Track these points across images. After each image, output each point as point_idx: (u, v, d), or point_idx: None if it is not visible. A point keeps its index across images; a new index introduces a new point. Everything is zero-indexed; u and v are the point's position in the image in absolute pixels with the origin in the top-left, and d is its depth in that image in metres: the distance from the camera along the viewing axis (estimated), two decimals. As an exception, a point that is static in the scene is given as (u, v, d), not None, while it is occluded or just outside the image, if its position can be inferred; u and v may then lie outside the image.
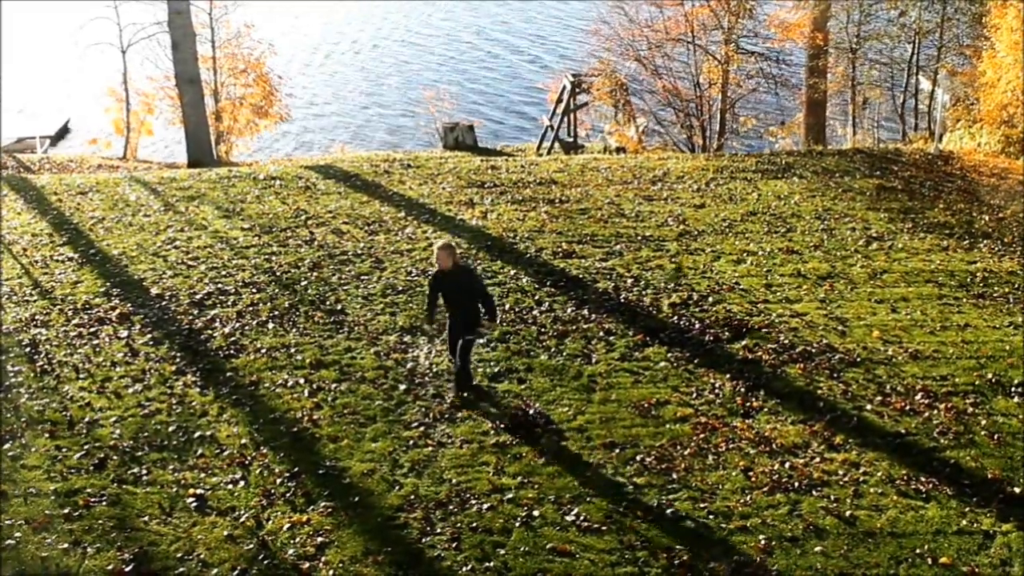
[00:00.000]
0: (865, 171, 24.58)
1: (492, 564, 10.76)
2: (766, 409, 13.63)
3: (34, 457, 12.80)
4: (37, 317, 16.72)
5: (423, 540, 11.18)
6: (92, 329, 16.29)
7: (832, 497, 11.69)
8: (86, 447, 13.00)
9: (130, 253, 19.54)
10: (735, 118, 35.08)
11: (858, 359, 14.88)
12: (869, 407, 13.62)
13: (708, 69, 34.22)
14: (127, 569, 10.75)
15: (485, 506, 11.69)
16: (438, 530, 11.32)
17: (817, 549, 10.85)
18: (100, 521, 11.52)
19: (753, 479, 12.07)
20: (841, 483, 11.96)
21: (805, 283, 17.60)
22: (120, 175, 27.65)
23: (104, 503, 11.86)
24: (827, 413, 13.47)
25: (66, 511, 11.69)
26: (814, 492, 11.81)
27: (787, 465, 12.33)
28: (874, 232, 20.03)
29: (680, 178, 24.13)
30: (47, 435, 13.29)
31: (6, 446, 13.04)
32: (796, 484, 11.95)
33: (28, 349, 15.69)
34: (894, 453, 12.56)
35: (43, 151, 43.07)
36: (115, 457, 12.79)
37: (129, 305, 17.10)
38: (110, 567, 10.78)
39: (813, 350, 15.16)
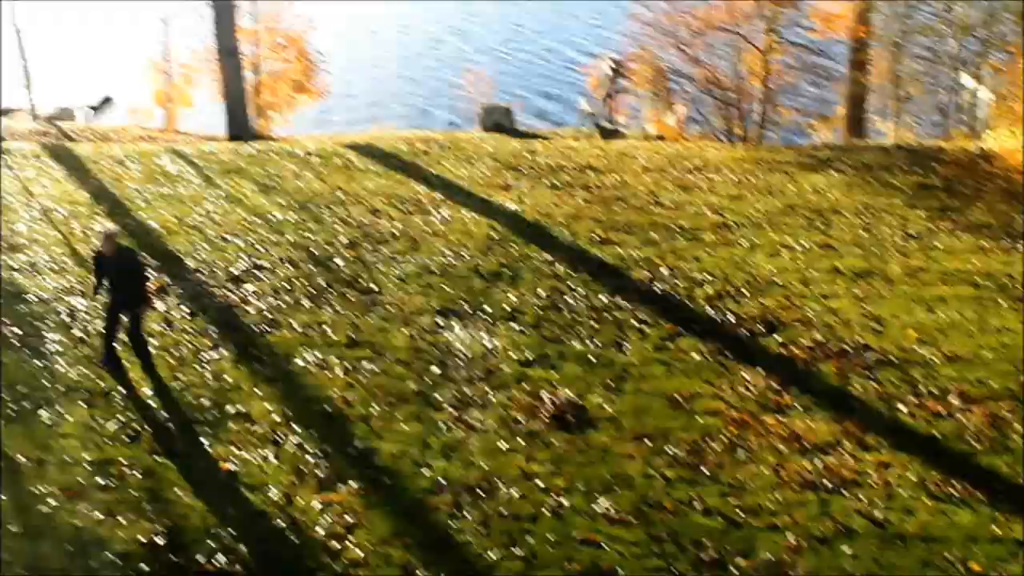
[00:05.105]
0: (905, 168, 24.34)
1: (520, 551, 10.80)
2: (798, 406, 13.57)
3: (69, 426, 12.95)
4: (75, 287, 16.85)
5: (452, 524, 11.24)
6: (129, 300, 16.38)
7: (863, 498, 11.65)
8: (121, 417, 13.13)
9: (168, 225, 19.65)
10: (775, 109, 34.86)
11: (893, 359, 14.79)
12: (903, 408, 13.54)
13: (749, 59, 34.01)
14: (159, 541, 10.86)
15: (515, 492, 11.73)
16: (467, 515, 11.37)
17: (846, 550, 10.82)
18: (134, 492, 11.65)
19: (784, 476, 12.04)
20: (872, 484, 11.91)
21: (841, 279, 17.48)
22: (160, 146, 27.79)
23: (138, 474, 11.98)
24: (860, 412, 13.40)
25: (101, 481, 11.82)
26: (845, 492, 11.77)
27: (818, 463, 12.28)
28: (912, 230, 19.85)
29: (718, 168, 24.02)
30: (83, 404, 13.42)
31: (42, 413, 13.18)
32: (827, 483, 11.91)
33: (66, 318, 15.82)
34: (927, 455, 12.48)
35: (85, 120, 43.31)
36: (150, 429, 12.91)
37: (166, 277, 17.20)
38: (142, 538, 10.90)
39: (848, 348, 15.07)
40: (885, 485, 11.87)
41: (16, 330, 15.39)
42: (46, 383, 13.94)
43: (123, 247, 14.94)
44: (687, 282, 17.30)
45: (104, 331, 14.39)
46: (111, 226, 16.28)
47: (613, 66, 38.17)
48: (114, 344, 14.34)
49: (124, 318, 14.28)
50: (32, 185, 22.26)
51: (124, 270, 14.14)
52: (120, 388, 13.81)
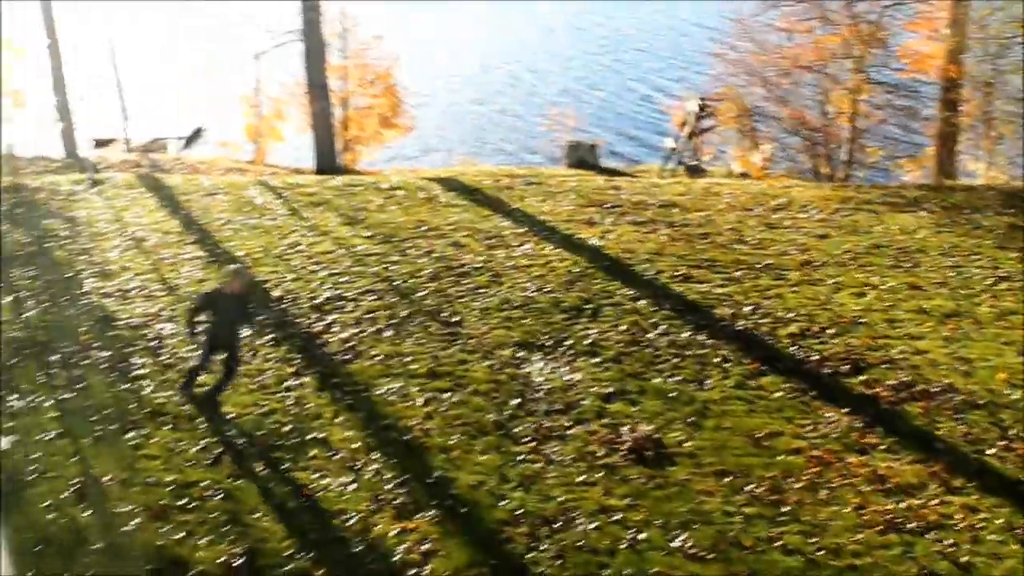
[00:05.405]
0: (996, 208, 23.89)
1: (596, 584, 10.73)
2: (883, 447, 13.32)
3: (154, 447, 13.16)
4: (163, 312, 17.17)
5: (528, 556, 11.19)
6: (215, 327, 16.64)
7: (948, 541, 11.38)
8: (204, 441, 13.31)
9: (254, 255, 19.96)
10: (862, 148, 34.45)
11: (981, 401, 14.46)
12: (991, 451, 13.22)
13: (836, 98, 33.71)
14: (237, 563, 10.97)
15: (591, 526, 11.66)
16: (543, 547, 11.32)
17: (930, 593, 10.59)
18: (214, 514, 11.79)
19: (866, 517, 11.82)
20: (958, 528, 11.63)
21: (929, 320, 17.17)
22: (248, 178, 28.27)
23: (219, 497, 12.13)
24: (946, 455, 13.11)
25: (182, 502, 11.98)
26: (929, 535, 11.51)
27: (902, 505, 12.04)
28: (1003, 271, 19.44)
29: (803, 207, 23.79)
30: (168, 427, 13.65)
31: (128, 435, 13.42)
32: (911, 525, 11.66)
33: (153, 343, 16.12)
34: (1016, 500, 12.16)
35: (176, 151, 44.27)
36: (231, 453, 13.06)
37: (251, 306, 17.41)
38: (221, 560, 11.01)
39: (934, 389, 14.78)
40: (971, 529, 11.60)
41: (106, 354, 15.72)
42: (133, 406, 14.20)
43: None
44: (770, 320, 17.12)
45: (199, 360, 14.30)
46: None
47: (700, 104, 38.08)
48: (200, 375, 14.46)
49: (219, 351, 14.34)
50: (124, 214, 22.79)
51: (240, 307, 14.14)
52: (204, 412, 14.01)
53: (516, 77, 61.58)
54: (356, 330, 16.63)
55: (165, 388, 14.67)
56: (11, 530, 11.48)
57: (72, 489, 12.23)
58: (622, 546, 11.30)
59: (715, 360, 15.68)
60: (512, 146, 49.43)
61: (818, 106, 33.73)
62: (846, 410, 14.21)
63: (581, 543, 11.35)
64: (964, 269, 19.55)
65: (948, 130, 34.64)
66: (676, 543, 11.35)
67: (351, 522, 11.72)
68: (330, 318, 17.08)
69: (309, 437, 13.49)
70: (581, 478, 12.62)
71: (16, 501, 12.02)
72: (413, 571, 10.92)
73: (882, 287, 18.54)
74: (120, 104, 42.10)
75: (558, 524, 11.70)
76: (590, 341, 16.25)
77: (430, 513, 11.90)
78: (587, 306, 17.53)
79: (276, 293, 18.07)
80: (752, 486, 12.41)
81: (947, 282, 18.87)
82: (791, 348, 16.11)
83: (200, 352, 14.23)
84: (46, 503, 11.94)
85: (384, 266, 19.36)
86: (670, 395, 14.65)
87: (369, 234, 21.28)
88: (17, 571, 10.77)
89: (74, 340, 16.22)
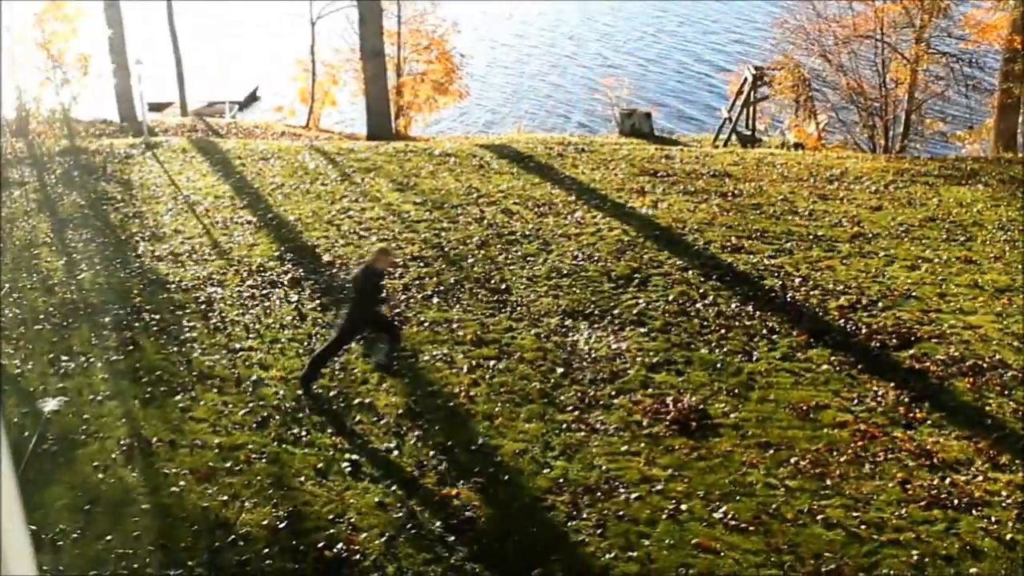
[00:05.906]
0: (1056, 182, 23.47)
1: (635, 554, 10.74)
2: (929, 422, 13.19)
3: (201, 410, 13.34)
4: (214, 276, 17.35)
5: (569, 524, 11.23)
6: (264, 291, 16.82)
7: (993, 518, 11.25)
8: (251, 405, 13.47)
9: (305, 220, 20.10)
10: (921, 120, 33.96)
11: (1032, 378, 14.27)
12: (1041, 428, 13.06)
13: (896, 68, 33.22)
14: (281, 526, 11.11)
15: (633, 495, 11.67)
16: (584, 515, 11.35)
17: (972, 570, 10.47)
18: (259, 477, 11.94)
19: (910, 492, 11.72)
20: (1004, 505, 11.50)
21: (981, 295, 16.93)
22: (301, 143, 28.42)
23: (264, 460, 12.28)
24: (994, 431, 12.94)
25: (228, 465, 12.15)
26: (974, 511, 11.40)
27: (947, 481, 11.92)
28: (1061, 247, 19.12)
29: (858, 178, 23.52)
30: (215, 390, 13.82)
31: (177, 398, 13.61)
32: (955, 501, 11.54)
33: (203, 306, 16.30)
34: (1064, 478, 12.02)
35: (231, 116, 44.55)
36: (277, 417, 13.21)
37: (301, 270, 17.59)
38: (265, 522, 11.16)
39: (984, 365, 14.58)
40: (1017, 506, 11.45)
41: (156, 317, 15.92)
42: (182, 369, 14.39)
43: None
44: (820, 292, 16.96)
45: (325, 352, 14.00)
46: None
47: (754, 73, 37.66)
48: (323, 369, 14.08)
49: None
50: (178, 177, 23.01)
51: (380, 288, 13.78)
52: (251, 376, 14.17)
53: (555, 46, 61.00)
54: (404, 296, 16.71)
55: (214, 351, 14.85)
56: (62, 488, 11.71)
57: (121, 450, 12.44)
58: (663, 516, 11.30)
59: (763, 332, 15.59)
60: (564, 120, 49.14)
61: (876, 76, 33.24)
62: (893, 384, 14.07)
63: (622, 513, 11.37)
64: (1020, 243, 19.23)
65: (1009, 102, 34.03)
66: (717, 515, 11.33)
67: (393, 488, 11.81)
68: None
69: (355, 402, 13.60)
70: (624, 448, 12.62)
71: (67, 460, 12.25)
72: (453, 537, 10.99)
73: (935, 260, 18.30)
74: (176, 68, 42.40)
75: (600, 493, 11.72)
76: (638, 310, 16.21)
77: (472, 480, 11.96)
78: (636, 275, 17.48)
79: (326, 258, 18.19)
80: (796, 459, 12.35)
81: (1002, 256, 18.57)
82: (840, 321, 15.97)
83: (339, 334, 13.96)
84: (95, 463, 12.17)
85: (434, 232, 19.41)
86: (716, 366, 14.60)
87: (419, 200, 21.34)
88: (67, 528, 10.99)
89: (126, 303, 16.45)
